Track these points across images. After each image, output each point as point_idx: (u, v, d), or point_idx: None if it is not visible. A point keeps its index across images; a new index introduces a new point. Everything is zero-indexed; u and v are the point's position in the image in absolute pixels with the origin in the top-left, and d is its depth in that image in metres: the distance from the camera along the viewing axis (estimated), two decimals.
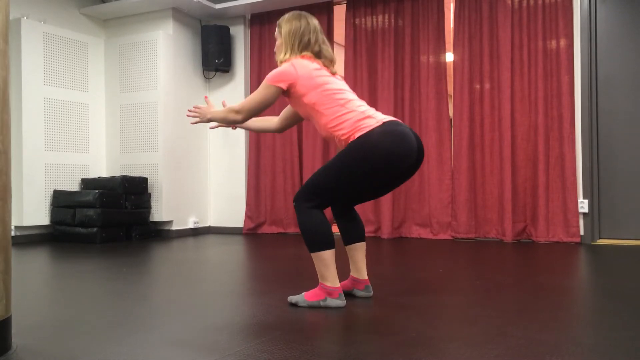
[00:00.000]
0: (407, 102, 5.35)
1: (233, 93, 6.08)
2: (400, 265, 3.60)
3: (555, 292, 2.60)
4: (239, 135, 6.00)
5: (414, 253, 4.18)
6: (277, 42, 2.50)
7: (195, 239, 5.46)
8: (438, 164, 5.20)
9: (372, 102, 5.46)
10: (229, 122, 2.45)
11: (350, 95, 2.38)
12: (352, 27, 5.57)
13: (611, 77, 4.70)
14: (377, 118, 2.30)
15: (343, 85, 2.41)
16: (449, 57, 5.59)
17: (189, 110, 2.55)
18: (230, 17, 6.04)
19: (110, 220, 5.11)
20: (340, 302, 2.31)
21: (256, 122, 2.68)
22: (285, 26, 2.46)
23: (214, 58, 5.83)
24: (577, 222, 4.66)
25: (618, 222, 4.67)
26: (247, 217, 5.94)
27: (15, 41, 5.08)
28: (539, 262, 3.64)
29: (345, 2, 5.64)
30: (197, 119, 2.53)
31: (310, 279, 2.93)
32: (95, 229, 5.03)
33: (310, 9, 5.73)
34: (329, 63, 2.44)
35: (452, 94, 5.23)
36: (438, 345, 1.78)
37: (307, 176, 5.64)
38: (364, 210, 5.38)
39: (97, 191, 5.09)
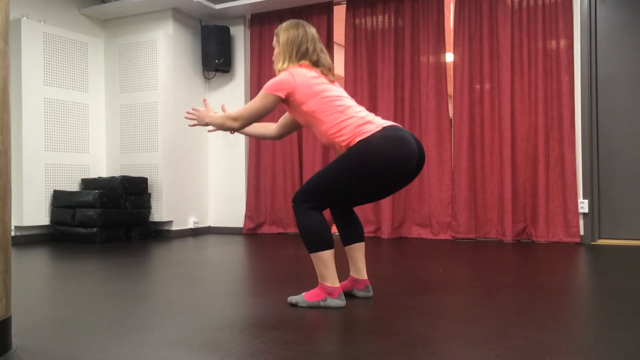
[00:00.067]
0: (407, 102, 5.35)
1: (233, 93, 6.08)
2: (400, 265, 3.60)
3: (555, 292, 2.60)
4: (239, 136, 6.00)
5: (414, 253, 4.18)
6: (275, 51, 2.51)
7: (195, 239, 5.46)
8: (438, 164, 5.20)
9: (372, 102, 5.46)
10: (226, 129, 2.44)
11: (349, 101, 2.39)
12: (352, 28, 5.57)
13: (611, 77, 4.70)
14: (377, 123, 2.31)
15: (341, 92, 2.42)
16: (449, 57, 5.58)
17: (187, 112, 2.54)
18: (230, 17, 6.04)
19: (110, 220, 5.11)
20: (340, 302, 2.31)
21: (254, 128, 2.68)
22: (283, 35, 2.46)
23: (214, 58, 5.83)
24: (577, 222, 4.66)
25: (618, 222, 4.67)
26: (247, 217, 5.94)
27: (15, 41, 5.08)
28: (539, 262, 3.64)
29: (345, 2, 5.64)
30: (195, 122, 2.52)
31: (310, 279, 2.93)
32: (95, 229, 5.03)
33: (310, 9, 5.73)
34: (327, 71, 2.45)
35: (452, 94, 5.23)
36: (438, 345, 1.78)
37: (307, 176, 5.64)
38: (364, 210, 5.38)
39: (97, 191, 5.09)
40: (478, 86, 5.08)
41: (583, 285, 2.83)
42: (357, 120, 2.30)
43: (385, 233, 5.26)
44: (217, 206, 6.16)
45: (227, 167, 6.10)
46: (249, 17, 6.07)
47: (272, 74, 2.55)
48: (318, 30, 5.67)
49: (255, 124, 2.63)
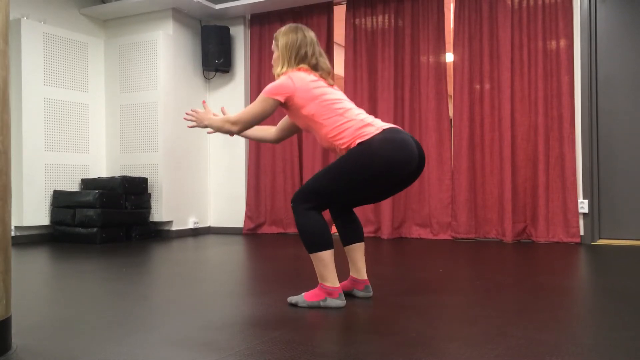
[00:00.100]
0: (407, 103, 5.35)
1: (233, 93, 6.08)
2: (400, 265, 3.60)
3: (555, 292, 2.60)
4: (239, 136, 5.99)
5: (414, 253, 4.18)
6: (274, 55, 2.51)
7: (195, 239, 5.46)
8: (438, 164, 5.20)
9: (372, 102, 5.46)
10: (225, 132, 2.44)
11: (349, 104, 2.40)
12: (352, 28, 5.57)
13: (611, 77, 4.70)
14: (377, 125, 2.31)
15: (341, 95, 2.43)
16: (449, 57, 5.59)
17: (186, 113, 2.54)
18: (230, 17, 6.04)
19: (110, 220, 5.11)
20: (340, 302, 2.31)
21: (254, 132, 2.68)
22: (282, 39, 2.47)
23: (214, 58, 5.83)
24: (577, 222, 4.66)
25: (618, 222, 4.67)
26: (247, 217, 5.94)
27: (15, 41, 5.08)
28: (539, 262, 3.65)
29: (345, 2, 5.64)
30: (194, 124, 2.52)
31: (310, 279, 2.93)
32: (95, 229, 5.03)
33: (310, 9, 5.73)
34: (326, 75, 2.46)
35: (452, 94, 5.23)
36: (438, 345, 1.78)
37: (307, 176, 5.64)
38: (364, 210, 5.38)
39: (97, 191, 5.09)
40: (478, 86, 5.08)
41: (583, 285, 2.83)
42: (357, 122, 2.31)
43: (385, 233, 5.26)
44: (217, 206, 6.16)
45: (227, 167, 6.10)
46: (249, 17, 6.07)
47: (272, 74, 2.55)
48: (318, 31, 5.68)
49: (254, 127, 2.63)
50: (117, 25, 5.96)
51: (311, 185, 2.31)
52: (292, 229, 5.74)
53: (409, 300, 2.47)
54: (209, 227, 6.16)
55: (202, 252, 4.43)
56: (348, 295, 2.50)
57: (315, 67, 2.44)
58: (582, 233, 4.67)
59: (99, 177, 5.55)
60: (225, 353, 1.70)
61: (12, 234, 5.01)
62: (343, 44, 5.86)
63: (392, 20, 5.39)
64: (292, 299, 2.38)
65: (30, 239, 5.19)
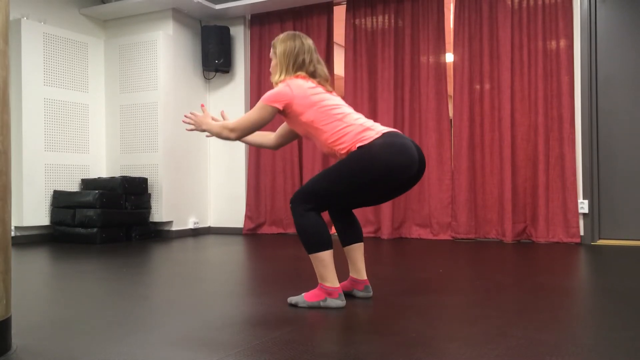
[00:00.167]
0: (407, 103, 5.35)
1: (233, 93, 6.08)
2: (400, 265, 3.60)
3: (555, 292, 2.60)
4: None
5: (414, 253, 4.18)
6: (272, 63, 2.52)
7: (195, 239, 5.46)
8: (438, 164, 5.20)
9: (372, 103, 5.46)
10: (223, 138, 2.44)
11: (347, 109, 2.41)
12: (352, 28, 5.57)
13: (611, 77, 4.70)
14: (377, 129, 2.32)
15: (339, 100, 2.44)
16: (449, 57, 5.58)
17: (185, 116, 2.54)
18: (230, 17, 6.04)
19: (110, 220, 5.11)
20: (340, 302, 2.31)
21: (253, 137, 2.67)
22: (279, 47, 2.47)
23: (214, 58, 5.84)
24: (577, 222, 4.66)
25: (618, 222, 4.67)
26: (247, 217, 5.94)
27: (15, 41, 5.08)
28: (539, 262, 3.65)
29: (345, 2, 5.64)
30: (192, 127, 2.52)
31: (310, 280, 2.93)
32: (95, 230, 5.03)
33: (310, 10, 5.73)
34: (324, 82, 2.46)
35: (452, 94, 5.23)
36: (438, 345, 1.78)
37: (307, 176, 5.64)
38: (363, 210, 5.38)
39: (97, 191, 5.09)
40: (478, 86, 5.08)
41: (583, 285, 2.83)
42: (356, 127, 2.31)
43: (385, 233, 5.26)
44: (217, 206, 6.16)
45: (227, 167, 6.10)
46: (249, 18, 6.07)
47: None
48: (318, 31, 5.69)
49: (254, 133, 2.63)
50: (117, 26, 5.96)
51: (311, 187, 2.31)
52: (292, 229, 5.74)
53: (409, 300, 2.47)
54: (209, 227, 6.16)
55: (202, 252, 4.43)
56: (348, 295, 2.50)
57: (313, 75, 2.45)
58: (582, 233, 4.67)
59: (99, 178, 5.55)
60: (225, 353, 1.70)
61: (12, 234, 5.01)
62: (343, 44, 5.86)
63: (392, 21, 5.39)
64: (292, 299, 2.38)
65: (30, 239, 5.19)
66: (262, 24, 5.98)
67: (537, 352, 1.67)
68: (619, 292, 2.59)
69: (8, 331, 1.76)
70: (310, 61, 2.45)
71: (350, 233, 2.51)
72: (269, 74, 2.71)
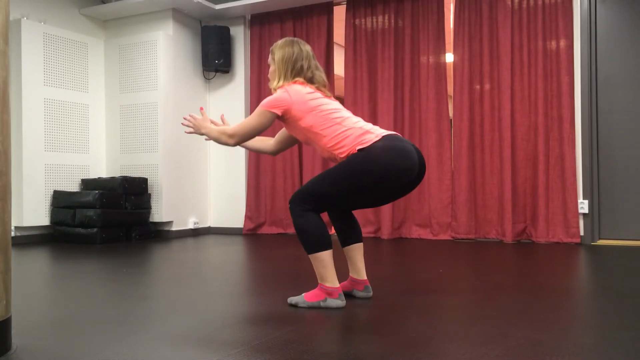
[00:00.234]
0: (407, 103, 5.35)
1: (233, 94, 6.08)
2: (400, 265, 3.60)
3: (556, 292, 2.60)
4: None
5: (414, 253, 4.18)
6: (271, 69, 2.52)
7: (195, 239, 5.46)
8: (438, 164, 5.20)
9: (372, 103, 5.46)
10: (222, 144, 2.45)
11: (346, 113, 2.41)
12: (352, 28, 5.57)
13: (611, 77, 4.70)
14: (376, 133, 2.32)
15: (337, 105, 2.44)
16: (449, 57, 5.59)
17: (184, 118, 2.54)
18: (230, 17, 6.04)
19: (110, 220, 5.11)
20: (340, 302, 2.31)
21: (252, 143, 2.68)
22: (278, 52, 2.48)
23: (214, 58, 5.84)
24: (577, 222, 4.66)
25: (618, 222, 4.67)
26: (247, 217, 5.94)
27: (15, 41, 5.08)
28: (539, 262, 3.65)
29: (345, 2, 5.64)
30: (191, 130, 2.52)
31: (310, 280, 2.93)
32: (95, 230, 5.03)
33: (310, 9, 5.73)
34: (322, 87, 2.46)
35: (452, 95, 5.23)
36: (438, 345, 1.78)
37: (307, 176, 5.64)
38: (363, 210, 5.38)
39: (97, 192, 5.09)
40: (478, 86, 5.08)
41: (583, 285, 2.83)
42: (356, 130, 2.32)
43: (385, 233, 5.26)
44: (217, 206, 6.16)
45: (227, 167, 6.10)
46: (249, 18, 6.07)
47: None
48: (318, 31, 5.69)
49: (253, 138, 2.63)
50: (117, 26, 5.96)
51: (310, 188, 2.31)
52: (292, 230, 5.74)
53: (409, 300, 2.47)
54: (209, 228, 6.16)
55: (202, 252, 4.43)
56: (348, 295, 2.50)
57: (311, 80, 2.45)
58: (582, 233, 4.67)
59: (99, 178, 5.55)
60: (225, 353, 1.70)
61: (12, 234, 5.01)
62: (343, 44, 5.87)
63: (392, 21, 5.39)
64: (292, 299, 2.38)
65: (30, 239, 5.19)
66: (262, 24, 5.98)
67: (537, 352, 1.67)
68: (619, 292, 2.59)
69: (8, 331, 1.76)
70: (309, 67, 2.46)
71: (350, 233, 2.51)
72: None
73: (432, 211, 5.20)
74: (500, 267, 3.45)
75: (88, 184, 5.47)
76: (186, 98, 5.87)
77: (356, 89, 5.52)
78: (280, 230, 5.85)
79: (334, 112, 2.36)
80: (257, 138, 2.66)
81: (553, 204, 4.75)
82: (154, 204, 5.59)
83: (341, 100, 5.88)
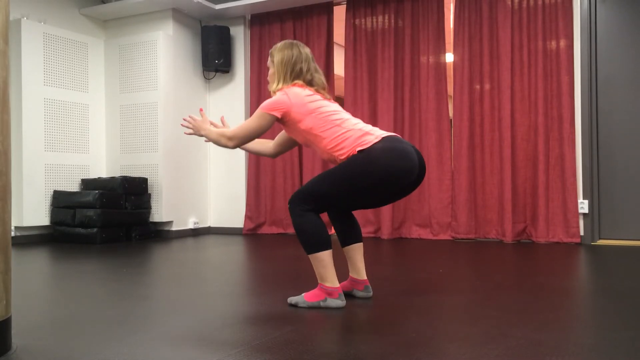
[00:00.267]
0: (407, 103, 5.35)
1: (233, 94, 6.08)
2: (400, 265, 3.60)
3: (556, 292, 2.60)
4: None
5: (414, 253, 4.18)
6: (270, 71, 2.53)
7: (195, 239, 5.46)
8: (438, 164, 5.20)
9: (372, 103, 5.46)
10: (221, 146, 2.45)
11: (345, 115, 2.41)
12: (352, 28, 5.57)
13: (611, 77, 4.70)
14: (376, 134, 2.32)
15: (337, 107, 2.45)
16: (449, 57, 5.59)
17: (184, 119, 2.54)
18: (230, 17, 6.04)
19: (110, 220, 5.11)
20: (340, 302, 2.31)
21: (252, 145, 2.68)
22: (277, 55, 2.48)
23: (214, 58, 5.84)
24: (577, 222, 4.66)
25: (618, 222, 4.67)
26: (247, 217, 5.94)
27: (15, 41, 5.08)
28: (539, 262, 3.65)
29: (345, 2, 5.64)
30: (191, 131, 2.52)
31: (310, 280, 2.93)
32: (95, 230, 5.03)
33: (310, 9, 5.73)
34: (321, 90, 2.47)
35: (452, 95, 5.23)
36: (438, 345, 1.78)
37: (307, 176, 5.64)
38: (363, 210, 5.38)
39: (97, 192, 5.09)
40: (478, 86, 5.08)
41: (583, 285, 2.83)
42: (355, 132, 2.32)
43: (385, 233, 5.26)
44: (217, 206, 6.16)
45: (227, 167, 6.10)
46: (249, 17, 6.07)
47: None
48: (318, 31, 5.69)
49: (253, 141, 2.63)
50: (117, 26, 5.96)
51: (310, 188, 2.31)
52: (292, 229, 5.74)
53: (409, 300, 2.47)
54: (209, 227, 6.16)
55: (202, 252, 4.43)
56: (348, 295, 2.50)
57: (310, 83, 2.45)
58: (582, 233, 4.67)
59: (99, 178, 5.55)
60: (225, 353, 1.70)
61: (12, 234, 5.01)
62: (343, 44, 5.86)
63: (392, 21, 5.39)
64: (292, 299, 2.38)
65: (30, 239, 5.19)
66: (262, 24, 5.98)
67: (537, 352, 1.67)
68: (619, 292, 2.59)
69: (8, 331, 1.76)
70: (308, 70, 2.46)
71: (350, 233, 2.52)
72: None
73: (432, 211, 5.20)
74: (500, 267, 3.45)
75: (88, 184, 5.47)
76: (186, 98, 5.87)
77: (356, 89, 5.52)
78: (280, 230, 5.85)
79: (334, 114, 2.36)
80: (257, 140, 2.66)
81: (553, 204, 4.75)
82: (154, 204, 5.59)
83: (341, 100, 5.89)
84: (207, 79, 6.18)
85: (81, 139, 5.65)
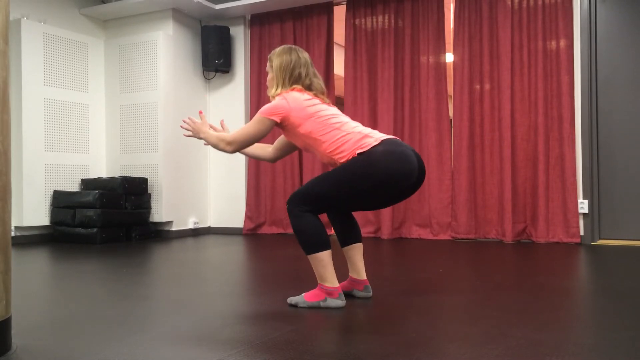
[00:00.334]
0: (407, 103, 5.35)
1: (233, 94, 6.08)
2: (400, 265, 3.60)
3: (556, 292, 2.60)
4: None
5: (414, 253, 4.18)
6: (269, 76, 2.53)
7: (195, 239, 5.46)
8: (438, 164, 5.20)
9: (372, 103, 5.46)
10: (219, 150, 2.45)
11: (344, 118, 2.41)
12: (352, 28, 5.57)
13: (611, 77, 4.70)
14: (375, 137, 2.32)
15: (336, 110, 2.45)
16: (449, 57, 5.58)
17: (183, 121, 2.54)
18: (230, 17, 6.04)
19: (110, 220, 5.11)
20: (340, 302, 2.31)
21: (251, 149, 2.68)
22: (276, 60, 2.48)
23: (214, 58, 5.84)
24: (577, 222, 4.66)
25: (618, 222, 4.67)
26: (247, 217, 5.94)
27: (15, 41, 5.08)
28: (539, 262, 3.65)
29: (345, 2, 5.64)
30: (190, 133, 2.52)
31: (310, 280, 2.93)
32: (95, 230, 5.03)
33: (310, 9, 5.73)
34: (320, 94, 2.47)
35: (452, 95, 5.23)
36: (438, 345, 1.78)
37: (307, 176, 5.65)
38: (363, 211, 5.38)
39: (97, 192, 5.09)
40: (478, 86, 5.08)
41: (583, 285, 2.83)
42: (355, 135, 2.32)
43: (385, 233, 5.26)
44: (217, 206, 6.16)
45: (227, 167, 6.10)
46: (249, 18, 6.07)
47: None
48: (318, 31, 5.69)
49: (252, 145, 2.63)
50: (117, 26, 5.96)
51: (309, 189, 2.31)
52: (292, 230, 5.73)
53: (409, 300, 2.47)
54: (209, 227, 6.16)
55: (202, 252, 4.43)
56: (348, 295, 2.50)
57: (309, 88, 2.45)
58: (582, 233, 4.67)
59: (99, 178, 5.55)
60: (225, 353, 1.70)
61: (12, 234, 5.01)
62: (343, 44, 5.86)
63: (392, 21, 5.39)
64: (292, 299, 2.38)
65: (30, 239, 5.19)
66: (262, 24, 5.98)
67: (537, 352, 1.67)
68: (619, 292, 2.59)
69: (8, 331, 1.76)
70: (307, 75, 2.46)
71: (349, 234, 2.52)
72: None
73: (432, 211, 5.20)
74: (500, 267, 3.45)
75: (88, 184, 5.47)
76: (186, 98, 5.87)
77: (356, 89, 5.52)
78: (280, 230, 5.85)
79: (333, 118, 2.37)
80: (256, 145, 2.66)
81: (553, 204, 4.75)
82: (154, 204, 5.59)
83: (341, 100, 5.89)
84: (207, 79, 6.18)
85: (81, 139, 5.65)
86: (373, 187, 2.25)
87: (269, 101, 2.50)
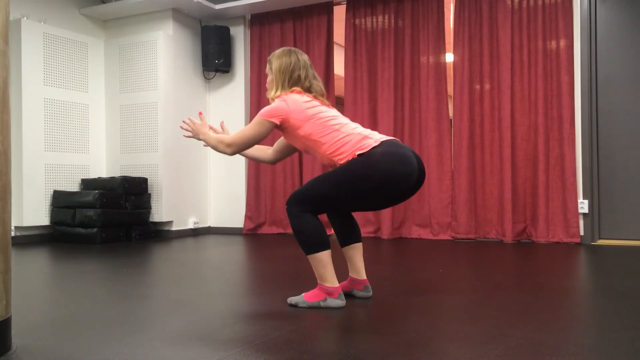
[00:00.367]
0: (407, 103, 5.35)
1: (233, 93, 6.08)
2: (400, 265, 3.60)
3: (556, 292, 2.60)
4: None
5: (414, 253, 4.18)
6: (268, 79, 2.53)
7: (195, 239, 5.46)
8: (438, 164, 5.20)
9: (372, 103, 5.46)
10: (219, 152, 2.45)
11: (344, 119, 2.42)
12: (352, 28, 5.57)
13: (611, 77, 4.70)
14: (375, 138, 2.32)
15: (335, 112, 2.45)
16: (449, 57, 5.59)
17: (183, 121, 2.54)
18: (230, 17, 6.04)
19: (110, 220, 5.11)
20: (340, 301, 2.31)
21: (251, 151, 2.68)
22: (275, 62, 2.49)
23: (214, 58, 5.84)
24: (577, 222, 4.66)
25: (618, 222, 4.67)
26: (247, 217, 5.94)
27: (15, 41, 5.08)
28: (539, 262, 3.65)
29: (345, 2, 5.64)
30: (190, 134, 2.52)
31: (310, 280, 2.93)
32: (95, 230, 5.03)
33: (310, 9, 5.73)
34: (320, 96, 2.47)
35: (452, 95, 5.23)
36: (438, 345, 1.78)
37: (307, 176, 5.64)
38: None
39: (97, 192, 5.09)
40: (478, 86, 5.08)
41: (583, 285, 2.83)
42: (355, 136, 2.32)
43: (385, 233, 5.26)
44: (217, 206, 6.16)
45: (227, 167, 6.10)
46: (249, 18, 6.07)
47: None
48: (318, 31, 5.69)
49: (252, 147, 2.63)
50: (117, 26, 5.96)
51: (308, 189, 2.31)
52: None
53: (409, 300, 2.47)
54: (209, 227, 6.16)
55: (202, 252, 4.43)
56: (348, 295, 2.50)
57: (308, 90, 2.46)
58: (582, 233, 4.67)
59: (99, 178, 5.55)
60: (225, 353, 1.70)
61: (12, 234, 5.01)
62: (343, 44, 5.86)
63: (392, 21, 5.39)
64: (292, 299, 2.38)
65: (30, 239, 5.19)
66: (262, 24, 5.98)
67: (537, 352, 1.67)
68: (619, 292, 2.59)
69: (8, 331, 1.76)
70: (306, 77, 2.46)
71: (349, 234, 2.52)
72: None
73: (432, 211, 5.20)
74: (500, 267, 3.45)
75: (88, 184, 5.47)
76: (186, 98, 5.87)
77: (356, 89, 5.52)
78: (280, 230, 5.85)
79: (332, 119, 2.37)
80: (256, 147, 2.66)
81: (553, 204, 4.75)
82: (154, 204, 5.59)
83: (341, 100, 5.89)
84: (207, 79, 6.18)
85: (81, 139, 5.65)
86: (373, 189, 2.25)
87: (269, 101, 2.50)
